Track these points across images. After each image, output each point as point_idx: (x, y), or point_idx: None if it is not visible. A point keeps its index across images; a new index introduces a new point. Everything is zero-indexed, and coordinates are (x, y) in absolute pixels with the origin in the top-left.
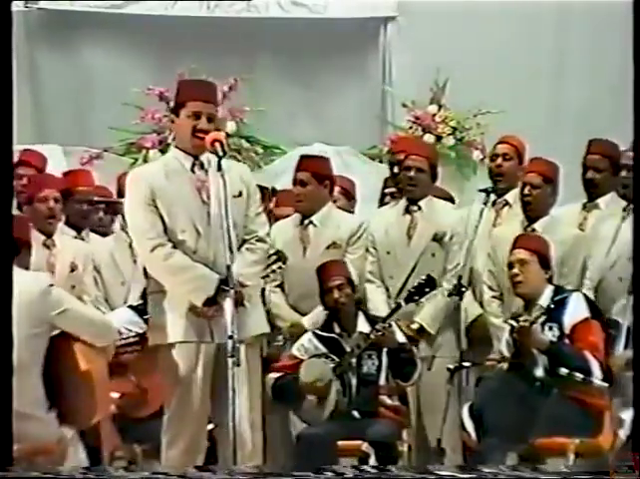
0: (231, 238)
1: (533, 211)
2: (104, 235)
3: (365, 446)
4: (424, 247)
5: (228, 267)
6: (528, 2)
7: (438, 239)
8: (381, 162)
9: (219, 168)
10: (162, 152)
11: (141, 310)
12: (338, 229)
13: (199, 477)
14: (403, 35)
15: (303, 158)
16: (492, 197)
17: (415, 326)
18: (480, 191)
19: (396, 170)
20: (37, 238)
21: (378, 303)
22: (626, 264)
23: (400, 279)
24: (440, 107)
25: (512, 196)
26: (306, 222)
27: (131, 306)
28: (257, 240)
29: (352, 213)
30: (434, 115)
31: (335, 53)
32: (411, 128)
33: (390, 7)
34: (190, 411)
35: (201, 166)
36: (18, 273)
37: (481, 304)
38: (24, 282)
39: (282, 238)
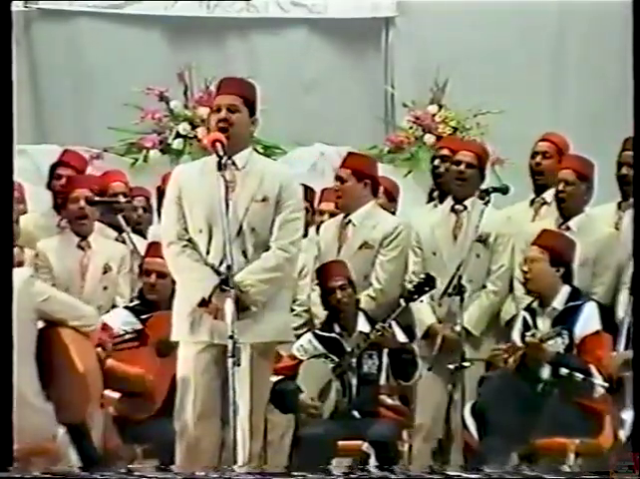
0: (243, 239)
1: (567, 208)
2: (143, 235)
3: (365, 446)
4: (469, 248)
5: (229, 268)
6: (528, 2)
7: (483, 239)
8: (381, 162)
9: (219, 168)
10: (163, 152)
11: (136, 311)
12: (373, 229)
13: (201, 477)
14: (403, 35)
15: (349, 155)
16: (493, 196)
17: (458, 329)
18: (481, 191)
19: (437, 162)
20: (71, 239)
21: (421, 305)
22: None
23: (445, 280)
24: (440, 107)
25: (550, 194)
26: (346, 220)
27: (127, 307)
28: (278, 248)
29: (393, 213)
30: (434, 115)
31: (335, 53)
32: (411, 128)
33: (390, 7)
34: (190, 411)
35: (234, 165)
36: None
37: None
38: None
39: (325, 236)
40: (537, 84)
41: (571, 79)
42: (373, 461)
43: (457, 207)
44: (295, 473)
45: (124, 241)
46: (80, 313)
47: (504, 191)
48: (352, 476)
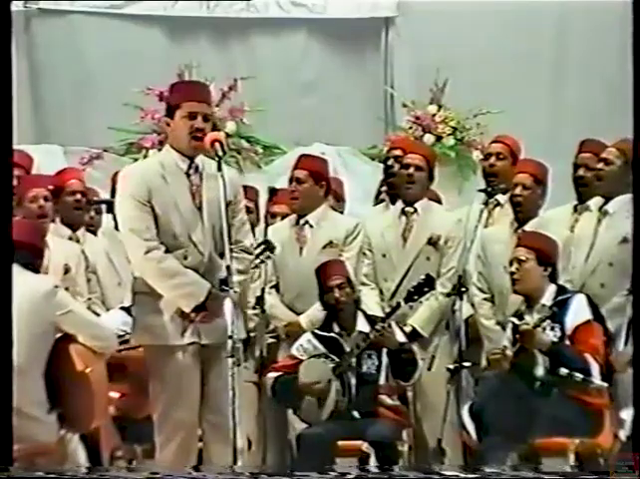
0: (230, 239)
1: (523, 212)
2: (95, 234)
3: (365, 446)
4: (419, 251)
5: (228, 268)
6: (528, 2)
7: (433, 242)
8: (381, 162)
9: (219, 168)
10: None
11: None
12: (335, 228)
13: (202, 477)
14: (403, 35)
15: (302, 156)
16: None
17: (408, 329)
18: (480, 191)
19: (390, 162)
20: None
21: (371, 305)
22: (607, 270)
23: (394, 282)
24: (440, 107)
25: (504, 196)
26: (302, 221)
27: (123, 308)
28: (242, 250)
29: (341, 213)
30: (434, 115)
31: (335, 53)
32: (411, 128)
33: (390, 7)
34: (180, 412)
35: (196, 169)
36: (25, 275)
37: (473, 306)
38: (30, 284)
39: (279, 238)
40: (537, 84)
41: (571, 79)
42: (373, 461)
43: (407, 209)
44: (295, 473)
45: (77, 241)
46: (98, 333)
47: (504, 191)
48: (351, 476)
